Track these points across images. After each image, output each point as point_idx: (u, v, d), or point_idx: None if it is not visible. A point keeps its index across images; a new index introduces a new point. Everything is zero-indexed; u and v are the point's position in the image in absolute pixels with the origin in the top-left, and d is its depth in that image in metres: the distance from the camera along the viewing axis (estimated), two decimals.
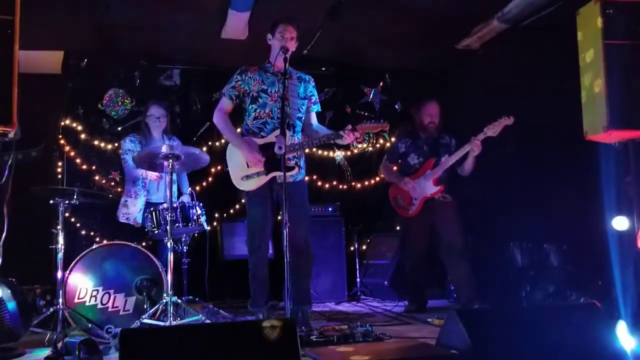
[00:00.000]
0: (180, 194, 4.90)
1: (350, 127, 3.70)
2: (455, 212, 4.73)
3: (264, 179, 3.82)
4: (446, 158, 4.69)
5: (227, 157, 3.96)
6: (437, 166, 4.70)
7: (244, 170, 3.86)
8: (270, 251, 4.59)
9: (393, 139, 6.68)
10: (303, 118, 4.01)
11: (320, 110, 4.14)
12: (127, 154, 4.72)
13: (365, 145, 6.75)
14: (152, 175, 4.60)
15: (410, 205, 4.77)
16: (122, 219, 4.65)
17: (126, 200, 4.69)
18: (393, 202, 4.95)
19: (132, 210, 4.63)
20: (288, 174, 3.75)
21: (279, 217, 4.16)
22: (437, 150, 4.80)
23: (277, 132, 3.70)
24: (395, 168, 5.08)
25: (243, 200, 4.13)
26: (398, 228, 6.56)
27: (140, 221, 4.56)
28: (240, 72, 3.96)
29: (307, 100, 4.02)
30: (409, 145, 4.92)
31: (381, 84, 6.76)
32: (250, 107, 3.94)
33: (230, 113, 4.01)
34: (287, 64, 3.70)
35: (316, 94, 4.10)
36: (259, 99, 3.90)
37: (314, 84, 4.10)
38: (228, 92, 3.95)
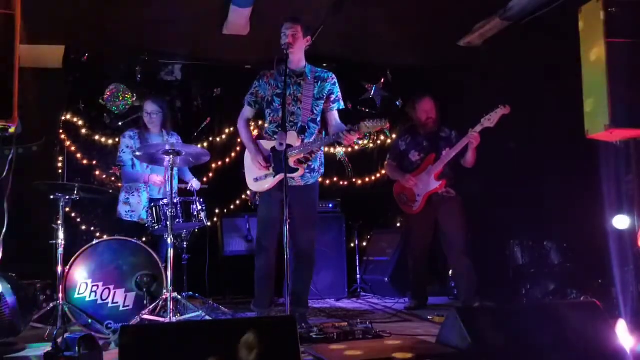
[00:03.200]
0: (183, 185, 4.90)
1: (348, 127, 3.64)
2: (459, 208, 4.71)
3: (273, 181, 3.82)
4: (447, 151, 4.67)
5: (245, 160, 4.02)
6: (437, 160, 4.68)
7: (255, 172, 3.90)
8: None
9: (394, 136, 6.69)
10: (318, 120, 3.92)
11: (342, 107, 4.00)
12: (124, 152, 4.72)
13: (366, 142, 6.75)
14: (156, 181, 4.60)
15: (414, 202, 4.76)
16: (125, 217, 4.62)
17: (128, 198, 4.67)
18: (397, 199, 4.95)
19: (136, 207, 4.61)
20: (296, 175, 3.77)
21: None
22: (437, 144, 4.78)
23: (288, 134, 3.70)
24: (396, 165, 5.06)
25: (250, 202, 4.15)
26: (399, 225, 6.59)
27: (144, 217, 4.53)
28: (258, 78, 3.98)
29: (322, 101, 3.91)
30: (409, 143, 4.91)
31: (382, 80, 6.75)
32: (267, 112, 3.95)
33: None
34: (287, 61, 3.70)
35: (336, 91, 3.95)
36: (273, 104, 3.89)
37: (334, 81, 3.96)
38: (248, 99, 3.99)
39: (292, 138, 3.74)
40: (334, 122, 3.93)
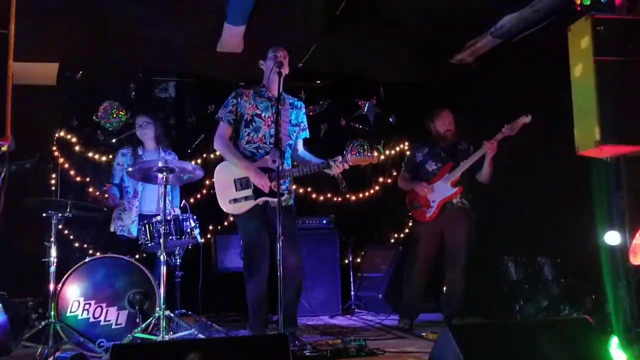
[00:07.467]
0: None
1: (340, 158, 3.70)
2: (469, 225, 4.63)
3: (251, 204, 3.79)
4: (464, 161, 4.62)
5: (215, 179, 3.89)
6: (455, 169, 4.64)
7: (231, 193, 3.81)
8: None
9: (387, 152, 6.71)
10: (292, 145, 4.02)
11: (308, 136, 4.15)
12: (115, 169, 4.88)
13: None
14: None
15: (428, 208, 4.67)
16: (118, 232, 4.67)
17: (120, 213, 4.71)
18: (410, 206, 4.87)
19: (127, 222, 4.65)
20: (283, 198, 3.72)
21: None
22: (455, 155, 4.72)
23: (268, 157, 3.65)
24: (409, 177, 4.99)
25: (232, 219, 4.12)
26: (393, 241, 6.58)
27: (135, 233, 4.55)
28: (235, 96, 3.94)
29: (297, 127, 4.03)
30: (426, 154, 4.85)
31: (375, 97, 6.80)
32: (243, 130, 3.91)
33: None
34: (281, 79, 3.70)
35: (305, 120, 4.11)
36: (253, 123, 3.89)
37: (304, 110, 4.12)
38: (226, 116, 3.92)
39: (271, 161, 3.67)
40: (299, 149, 4.10)
